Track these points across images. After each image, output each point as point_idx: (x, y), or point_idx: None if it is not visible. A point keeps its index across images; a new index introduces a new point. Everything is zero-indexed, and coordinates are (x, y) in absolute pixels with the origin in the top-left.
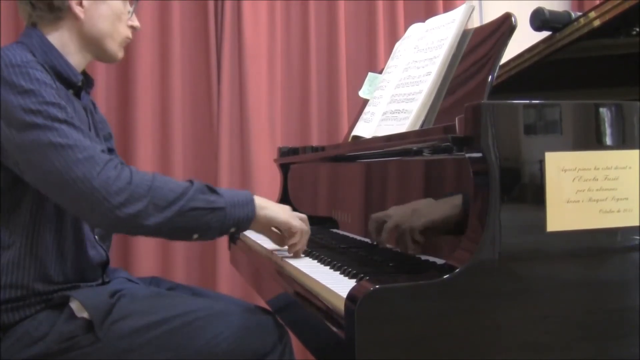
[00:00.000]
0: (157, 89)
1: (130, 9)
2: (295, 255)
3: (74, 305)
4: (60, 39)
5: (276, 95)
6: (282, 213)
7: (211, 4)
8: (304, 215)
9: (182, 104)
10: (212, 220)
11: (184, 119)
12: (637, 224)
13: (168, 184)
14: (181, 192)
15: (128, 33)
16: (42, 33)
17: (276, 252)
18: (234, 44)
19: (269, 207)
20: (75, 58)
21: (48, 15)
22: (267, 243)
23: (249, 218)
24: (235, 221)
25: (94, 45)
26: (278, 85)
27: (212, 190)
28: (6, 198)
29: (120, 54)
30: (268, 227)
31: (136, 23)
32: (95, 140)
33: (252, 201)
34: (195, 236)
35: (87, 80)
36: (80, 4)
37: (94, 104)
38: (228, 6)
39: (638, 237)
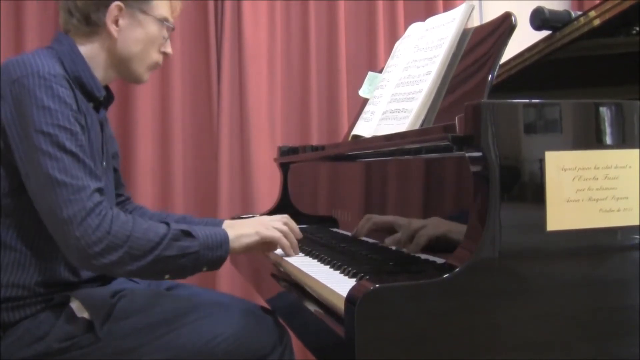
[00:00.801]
0: (157, 89)
1: (166, 35)
2: (295, 252)
3: (75, 305)
4: (90, 52)
5: (276, 95)
6: (254, 234)
7: (211, 4)
8: (280, 216)
9: (182, 104)
10: (184, 264)
11: (184, 119)
12: (637, 223)
13: (147, 233)
14: (157, 241)
15: (158, 58)
16: (73, 42)
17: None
18: (234, 44)
19: (242, 233)
20: (101, 73)
21: (83, 27)
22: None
23: (221, 259)
24: (208, 262)
25: (122, 65)
26: (278, 85)
27: (187, 234)
28: (13, 199)
29: (145, 77)
30: (250, 250)
31: (169, 50)
32: (94, 174)
33: (226, 242)
34: (167, 277)
35: (108, 96)
36: (116, 23)
37: (106, 119)
38: (228, 6)
39: (638, 237)
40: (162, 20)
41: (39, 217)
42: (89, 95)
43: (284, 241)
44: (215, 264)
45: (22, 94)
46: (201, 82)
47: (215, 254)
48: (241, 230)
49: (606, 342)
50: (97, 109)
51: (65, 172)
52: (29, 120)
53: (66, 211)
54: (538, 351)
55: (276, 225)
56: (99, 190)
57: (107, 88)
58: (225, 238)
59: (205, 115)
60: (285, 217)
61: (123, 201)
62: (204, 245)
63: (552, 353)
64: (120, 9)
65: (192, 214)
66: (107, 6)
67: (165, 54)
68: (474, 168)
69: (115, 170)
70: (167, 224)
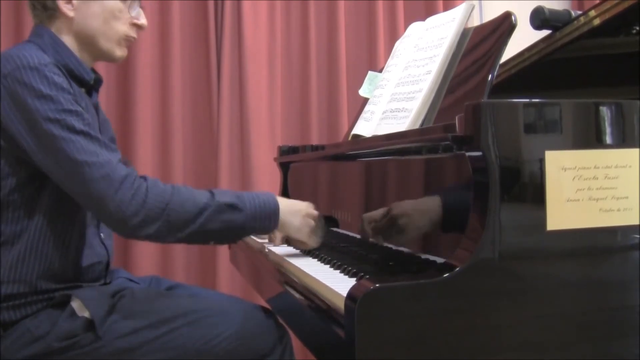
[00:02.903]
0: (157, 89)
1: (131, 4)
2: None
3: (75, 304)
4: (59, 38)
5: (276, 95)
6: (298, 230)
7: (211, 4)
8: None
9: (182, 104)
10: (229, 235)
11: (184, 119)
12: (637, 223)
13: (185, 203)
14: (197, 212)
15: (128, 31)
16: (51, 31)
17: (276, 251)
18: (234, 44)
19: (292, 222)
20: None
21: (43, 14)
22: (267, 242)
23: (269, 229)
24: (256, 231)
25: (89, 45)
26: (278, 85)
27: (233, 207)
28: (18, 194)
29: (118, 52)
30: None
31: (142, 21)
32: (110, 147)
33: (276, 214)
34: (212, 243)
35: (97, 79)
36: (70, 2)
37: (98, 103)
38: (228, 6)
39: (638, 236)
40: None
41: (48, 215)
42: (79, 80)
43: (310, 244)
44: (263, 232)
45: (17, 88)
46: (201, 82)
47: (263, 224)
48: (292, 217)
49: (606, 342)
50: (89, 93)
51: (85, 152)
52: (32, 112)
53: (96, 189)
54: (538, 351)
55: (315, 236)
56: (121, 162)
57: (94, 71)
58: (275, 210)
59: (205, 115)
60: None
61: None
62: (251, 217)
63: (551, 353)
64: None
65: None
66: None
67: (138, 27)
68: (474, 168)
69: None
70: (212, 193)
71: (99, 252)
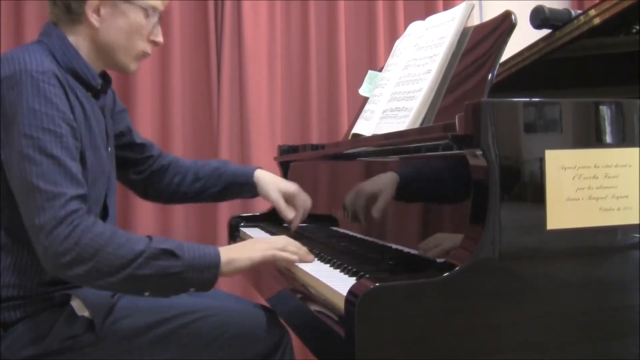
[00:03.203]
0: (157, 89)
1: (154, 22)
2: (306, 259)
3: (75, 304)
4: (75, 42)
5: (276, 95)
6: (249, 259)
7: (211, 4)
8: (280, 238)
9: (182, 104)
10: (165, 284)
11: (184, 119)
12: (637, 222)
13: (120, 248)
14: (131, 258)
15: (146, 47)
16: (62, 32)
17: None
18: (234, 44)
19: (237, 258)
20: (90, 64)
21: (65, 17)
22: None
23: (209, 282)
24: (194, 284)
25: (107, 55)
26: (278, 85)
27: (169, 254)
28: (11, 199)
29: (133, 66)
30: (245, 271)
31: (159, 39)
32: (76, 180)
33: (215, 265)
34: (147, 294)
35: (105, 81)
36: (98, 13)
37: (113, 93)
38: (228, 6)
39: (638, 235)
40: (148, 9)
41: None
42: (86, 84)
43: (282, 255)
44: (202, 286)
45: (10, 93)
46: (201, 82)
47: (203, 276)
48: (235, 254)
49: (606, 342)
50: (96, 96)
51: (43, 178)
52: (15, 122)
53: (38, 219)
54: (538, 351)
55: (276, 245)
56: (80, 197)
57: (103, 74)
58: (215, 261)
59: (205, 115)
60: (284, 239)
61: (153, 161)
62: (189, 267)
63: (551, 353)
64: None
65: (192, 212)
66: None
67: (154, 43)
68: (473, 167)
69: (136, 144)
70: (150, 239)
71: None
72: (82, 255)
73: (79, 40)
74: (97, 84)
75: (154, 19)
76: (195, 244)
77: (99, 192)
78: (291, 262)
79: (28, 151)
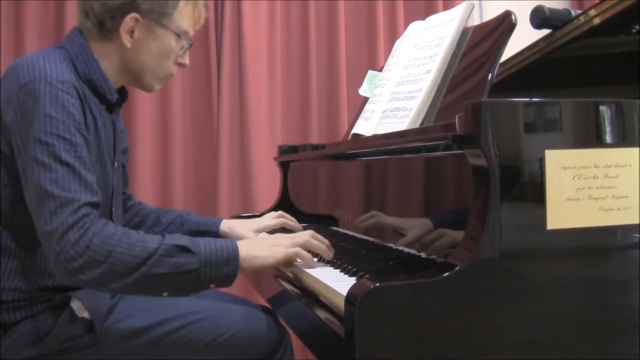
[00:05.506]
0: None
1: (184, 46)
2: (327, 256)
3: (75, 305)
4: (101, 56)
5: (276, 95)
6: (270, 256)
7: (211, 4)
8: (304, 233)
9: (182, 104)
10: (182, 282)
11: (184, 119)
12: (637, 222)
13: (133, 248)
14: (145, 257)
15: (172, 70)
16: (86, 42)
17: None
18: (234, 44)
19: (257, 255)
20: (110, 78)
21: (95, 31)
22: None
23: (229, 277)
24: (214, 280)
25: (133, 74)
26: (278, 85)
27: (185, 250)
28: (16, 206)
29: (156, 87)
30: (263, 270)
31: (186, 61)
32: (90, 187)
33: (235, 258)
34: (165, 294)
35: (122, 96)
36: (131, 34)
37: (119, 114)
38: (228, 6)
39: (638, 235)
40: (181, 34)
41: None
42: (101, 97)
43: (315, 247)
44: (222, 281)
45: (29, 100)
46: (201, 82)
47: (222, 271)
48: (256, 250)
49: (606, 342)
50: (109, 109)
51: (57, 184)
52: (31, 128)
53: (50, 224)
54: (538, 351)
55: (295, 242)
56: (92, 205)
57: (121, 88)
58: (233, 254)
59: (205, 115)
60: (309, 233)
61: (124, 199)
62: (207, 262)
63: (551, 353)
64: (136, 20)
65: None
66: (123, 16)
67: (180, 65)
68: (473, 167)
69: (123, 166)
70: (163, 235)
71: None
72: (94, 258)
73: (106, 56)
74: (113, 99)
75: (184, 42)
76: (212, 239)
77: (103, 209)
78: (311, 261)
79: (43, 157)
